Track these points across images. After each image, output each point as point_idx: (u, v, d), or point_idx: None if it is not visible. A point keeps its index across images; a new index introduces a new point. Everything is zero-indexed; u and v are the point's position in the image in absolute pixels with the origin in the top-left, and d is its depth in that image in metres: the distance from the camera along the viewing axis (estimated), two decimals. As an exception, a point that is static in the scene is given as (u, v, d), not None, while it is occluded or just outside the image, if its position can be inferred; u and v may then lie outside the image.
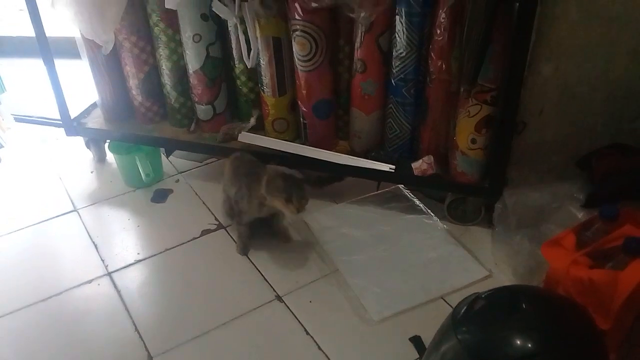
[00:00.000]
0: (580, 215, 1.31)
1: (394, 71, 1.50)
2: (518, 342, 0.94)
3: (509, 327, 0.97)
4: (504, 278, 1.43)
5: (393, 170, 1.59)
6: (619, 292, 1.02)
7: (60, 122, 1.86)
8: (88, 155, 1.99)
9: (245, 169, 1.51)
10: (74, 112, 1.87)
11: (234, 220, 1.57)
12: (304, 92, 1.60)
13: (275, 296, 1.42)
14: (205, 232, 1.64)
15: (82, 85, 1.84)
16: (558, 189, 1.38)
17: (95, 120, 1.88)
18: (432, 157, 1.56)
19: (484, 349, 0.96)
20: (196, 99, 1.74)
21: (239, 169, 1.53)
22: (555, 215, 1.36)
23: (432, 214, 1.65)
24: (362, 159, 1.63)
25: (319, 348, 1.28)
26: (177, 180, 1.87)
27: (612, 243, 1.11)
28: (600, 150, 1.36)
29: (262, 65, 1.61)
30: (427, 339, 1.17)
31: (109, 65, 1.76)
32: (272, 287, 1.45)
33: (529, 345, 0.94)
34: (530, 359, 0.92)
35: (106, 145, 1.93)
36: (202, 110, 1.75)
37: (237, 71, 1.69)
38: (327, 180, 1.71)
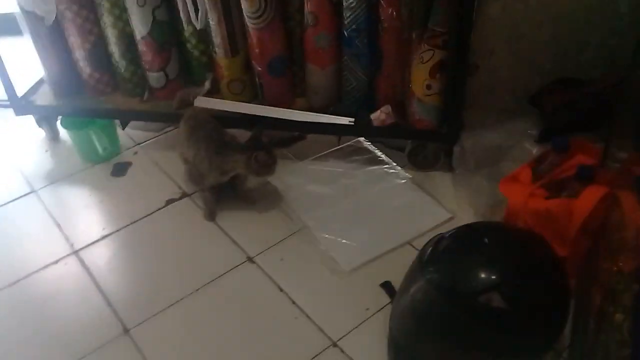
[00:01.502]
0: (535, 151, 1.35)
1: (346, 22, 1.49)
2: (482, 275, 0.99)
3: (473, 262, 1.01)
4: (467, 218, 1.46)
5: (352, 123, 1.59)
6: (574, 219, 1.07)
7: (8, 102, 1.79)
8: (41, 134, 1.93)
9: (203, 132, 1.49)
10: (21, 91, 1.80)
11: (197, 186, 1.56)
12: (257, 50, 1.57)
13: (247, 258, 1.43)
14: (169, 201, 1.63)
15: (26, 62, 1.77)
16: (512, 128, 1.42)
17: (44, 97, 1.81)
18: (390, 107, 1.57)
19: (451, 285, 1.00)
20: (147, 67, 1.69)
21: (196, 130, 1.50)
22: (511, 153, 1.40)
23: (394, 163, 1.67)
24: (321, 115, 1.63)
25: (293, 303, 1.31)
26: (136, 152, 1.83)
27: (565, 173, 1.15)
28: (549, 86, 1.40)
29: (212, 26, 1.57)
30: (397, 283, 1.21)
31: (52, 38, 1.69)
32: (242, 249, 1.46)
33: (493, 277, 0.98)
34: (494, 289, 0.96)
35: (58, 122, 1.88)
36: (154, 78, 1.71)
37: (187, 34, 1.65)
38: (289, 141, 1.71)
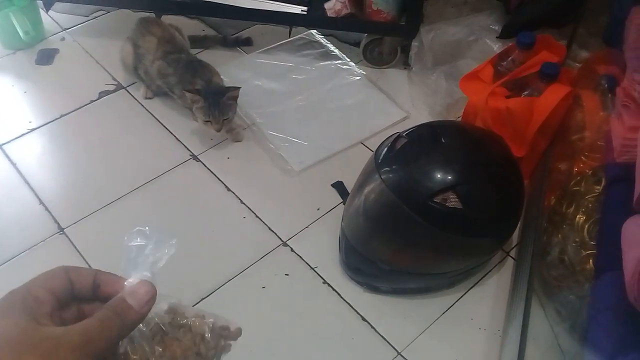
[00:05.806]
0: (496, 47, 1.29)
1: None
2: (439, 176, 0.95)
3: (429, 162, 0.97)
4: (422, 118, 1.42)
5: (305, 13, 1.48)
6: (535, 118, 1.04)
7: None
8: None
9: (189, 58, 1.38)
10: None
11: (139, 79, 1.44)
12: None
13: (191, 155, 1.35)
14: (103, 93, 1.49)
15: None
16: (474, 22, 1.35)
17: (-51, -30, 1.57)
18: (346, -4, 1.46)
19: (407, 185, 0.96)
20: (70, -62, 1.48)
21: (176, 55, 1.37)
22: (472, 49, 1.34)
23: (347, 59, 1.58)
24: (270, 2, 1.49)
25: (242, 202, 1.25)
26: (63, 39, 1.65)
27: (528, 71, 1.11)
28: (517, -22, 1.32)
29: None
30: (350, 184, 1.17)
31: None
32: (186, 147, 1.37)
33: (449, 177, 0.95)
34: (451, 189, 0.93)
35: (-31, 0, 1.65)
36: (80, -48, 1.50)
37: None
38: (234, 43, 1.59)
